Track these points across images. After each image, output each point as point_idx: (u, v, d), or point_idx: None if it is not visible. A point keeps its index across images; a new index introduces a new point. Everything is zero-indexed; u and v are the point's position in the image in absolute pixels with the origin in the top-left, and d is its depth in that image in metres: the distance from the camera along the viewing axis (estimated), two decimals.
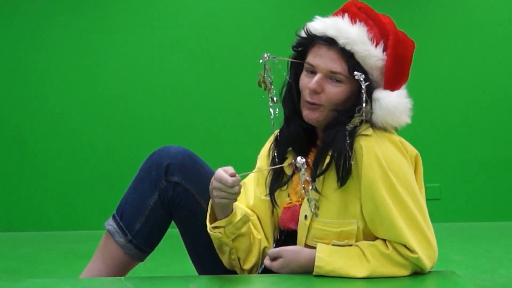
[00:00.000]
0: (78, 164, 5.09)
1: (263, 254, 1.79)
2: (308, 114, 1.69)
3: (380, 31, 1.67)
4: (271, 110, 1.70)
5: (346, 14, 1.68)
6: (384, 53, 1.66)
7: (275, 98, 1.71)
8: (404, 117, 1.68)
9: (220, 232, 1.70)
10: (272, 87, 1.70)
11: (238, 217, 1.71)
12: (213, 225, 1.71)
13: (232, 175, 1.62)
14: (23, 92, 5.13)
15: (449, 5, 5.27)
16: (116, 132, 5.12)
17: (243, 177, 1.70)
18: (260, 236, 1.80)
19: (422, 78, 5.19)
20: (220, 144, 5.01)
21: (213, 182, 1.64)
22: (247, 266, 1.76)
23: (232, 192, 1.62)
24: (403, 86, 1.71)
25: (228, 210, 1.70)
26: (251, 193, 1.85)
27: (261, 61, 1.69)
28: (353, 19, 1.67)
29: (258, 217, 1.83)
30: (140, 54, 5.13)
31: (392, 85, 1.67)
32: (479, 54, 5.24)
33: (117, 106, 5.13)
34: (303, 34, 1.72)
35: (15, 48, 5.13)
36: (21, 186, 5.12)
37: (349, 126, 1.62)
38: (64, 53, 5.12)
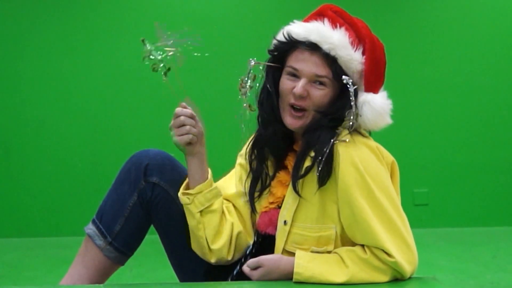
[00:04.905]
0: (63, 169, 5.06)
1: (237, 238, 1.79)
2: (292, 123, 1.71)
3: (357, 35, 1.69)
4: (242, 114, 1.73)
5: (325, 19, 1.70)
6: (363, 57, 1.68)
7: (249, 105, 1.73)
8: (388, 119, 1.71)
9: (188, 198, 1.73)
10: (249, 94, 1.72)
11: (208, 188, 1.74)
12: (184, 191, 1.74)
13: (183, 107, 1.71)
14: (7, 97, 5.10)
15: (439, 8, 5.30)
16: (103, 138, 5.09)
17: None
18: (233, 220, 1.80)
19: (409, 83, 5.22)
20: (208, 148, 5.00)
21: (171, 122, 1.71)
22: (215, 246, 1.76)
23: (186, 114, 1.69)
24: (382, 88, 1.73)
25: (201, 178, 1.74)
26: (232, 184, 1.86)
27: (251, 66, 1.70)
28: (333, 23, 1.69)
29: (236, 206, 1.83)
30: (126, 59, 5.12)
31: (372, 88, 1.69)
32: (467, 58, 5.27)
33: (103, 111, 5.11)
34: (282, 38, 1.72)
35: None
36: (6, 192, 5.08)
37: (339, 129, 1.64)
38: (48, 58, 5.10)
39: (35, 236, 4.98)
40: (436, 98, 5.27)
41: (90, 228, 1.84)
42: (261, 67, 1.74)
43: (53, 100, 5.10)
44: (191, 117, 1.71)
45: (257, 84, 1.74)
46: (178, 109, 1.72)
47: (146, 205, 1.82)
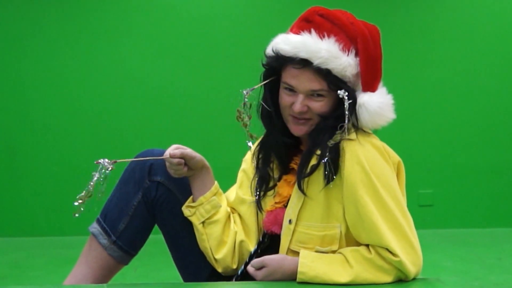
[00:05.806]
0: (68, 170, 5.06)
1: (239, 247, 1.81)
2: (297, 130, 1.70)
3: (348, 36, 1.64)
4: (250, 144, 1.79)
5: (312, 29, 1.64)
6: (357, 58, 1.65)
7: (250, 135, 1.77)
8: (389, 114, 1.69)
9: (189, 210, 1.79)
10: (249, 123, 1.74)
11: (208, 199, 1.79)
12: (187, 204, 1.80)
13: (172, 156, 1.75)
14: (12, 99, 5.11)
15: (441, 10, 5.29)
16: (106, 138, 5.10)
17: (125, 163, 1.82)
18: (237, 229, 1.82)
19: (413, 84, 5.21)
20: (212, 150, 5.00)
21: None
22: (219, 255, 1.79)
23: (172, 163, 1.75)
24: (381, 84, 1.71)
25: (203, 191, 1.79)
26: (233, 192, 1.88)
27: (244, 102, 1.71)
28: (320, 33, 1.63)
29: (240, 214, 1.85)
30: (130, 60, 5.13)
31: (370, 86, 1.67)
32: (472, 59, 5.26)
33: (107, 111, 5.11)
34: (272, 54, 1.68)
35: (3, 55, 5.10)
36: (10, 191, 5.09)
37: (330, 143, 1.62)
38: (53, 60, 5.10)
39: (39, 236, 4.98)
40: (441, 100, 5.25)
41: (95, 227, 1.84)
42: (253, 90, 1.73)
43: (58, 102, 5.11)
44: (178, 164, 1.74)
45: (249, 115, 1.75)
46: (166, 158, 1.75)
47: (150, 204, 1.82)
